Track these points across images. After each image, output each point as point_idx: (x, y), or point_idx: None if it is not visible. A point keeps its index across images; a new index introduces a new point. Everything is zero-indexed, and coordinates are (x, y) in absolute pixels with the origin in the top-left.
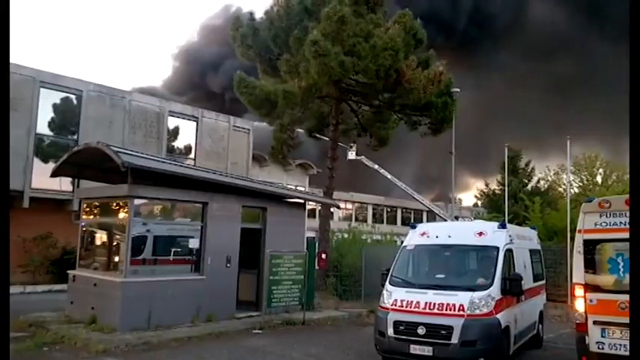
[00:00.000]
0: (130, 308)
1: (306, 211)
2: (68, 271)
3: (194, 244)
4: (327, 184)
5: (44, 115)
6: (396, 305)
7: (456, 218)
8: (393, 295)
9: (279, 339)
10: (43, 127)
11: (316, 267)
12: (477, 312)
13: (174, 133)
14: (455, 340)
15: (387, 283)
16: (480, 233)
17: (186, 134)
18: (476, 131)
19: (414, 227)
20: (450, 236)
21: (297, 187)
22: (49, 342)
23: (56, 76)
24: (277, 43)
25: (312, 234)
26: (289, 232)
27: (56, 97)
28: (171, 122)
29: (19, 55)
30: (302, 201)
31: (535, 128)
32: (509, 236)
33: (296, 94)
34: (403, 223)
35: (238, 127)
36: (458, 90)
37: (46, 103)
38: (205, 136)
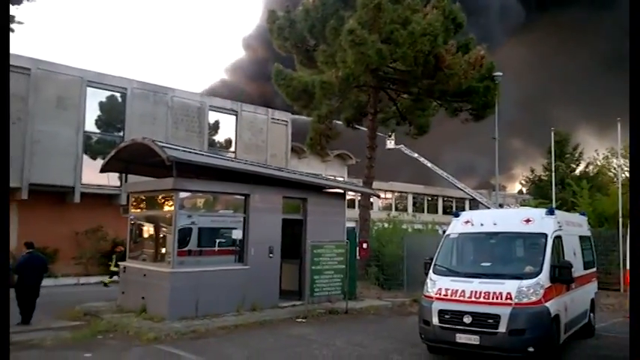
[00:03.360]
0: (178, 298)
1: (346, 202)
2: (119, 263)
3: (237, 235)
4: (366, 174)
5: (91, 114)
6: (440, 294)
7: (501, 206)
8: (437, 284)
9: (323, 328)
10: (90, 125)
11: (357, 257)
12: (525, 300)
13: (215, 127)
14: (502, 328)
15: (431, 272)
16: (527, 220)
17: (226, 128)
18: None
19: (457, 216)
20: (495, 224)
21: (336, 178)
22: (103, 330)
23: (101, 75)
24: (314, 34)
25: (351, 224)
26: (330, 223)
27: (102, 95)
28: (212, 117)
29: (66, 55)
30: (342, 191)
31: (585, 109)
32: (558, 223)
33: (333, 85)
34: (445, 212)
35: (277, 119)
36: (500, 74)
37: (93, 102)
38: (245, 129)
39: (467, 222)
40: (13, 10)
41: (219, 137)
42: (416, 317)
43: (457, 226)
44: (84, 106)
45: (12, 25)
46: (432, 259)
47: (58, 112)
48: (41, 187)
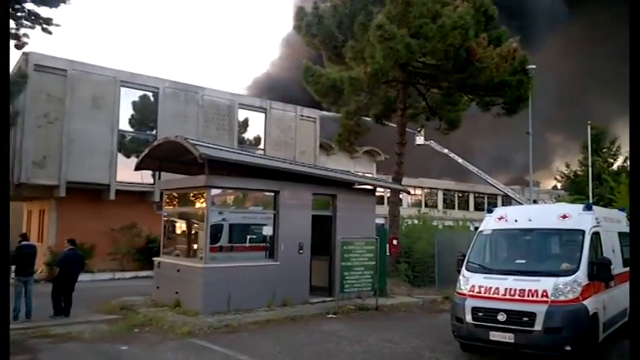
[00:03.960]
0: (211, 292)
1: (375, 198)
2: (154, 258)
3: (267, 231)
4: (396, 170)
5: (125, 113)
6: (473, 291)
7: (535, 202)
8: (470, 281)
9: (353, 324)
10: (124, 124)
11: (387, 253)
12: (562, 298)
13: (244, 125)
14: (538, 327)
15: (464, 268)
16: (564, 216)
17: (256, 125)
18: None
19: (490, 212)
20: (530, 220)
21: (365, 174)
22: (139, 324)
23: (134, 74)
24: (342, 30)
25: (381, 220)
26: (359, 219)
27: (135, 95)
28: (241, 114)
29: (100, 56)
30: (371, 187)
31: (624, 102)
32: (596, 219)
33: (362, 81)
34: (476, 209)
35: (305, 116)
36: (534, 67)
37: (126, 101)
38: (273, 126)
39: (500, 218)
40: (50, 12)
41: (249, 135)
42: (447, 314)
43: (490, 223)
44: (118, 106)
45: (49, 28)
46: (464, 256)
47: (94, 112)
48: (78, 184)
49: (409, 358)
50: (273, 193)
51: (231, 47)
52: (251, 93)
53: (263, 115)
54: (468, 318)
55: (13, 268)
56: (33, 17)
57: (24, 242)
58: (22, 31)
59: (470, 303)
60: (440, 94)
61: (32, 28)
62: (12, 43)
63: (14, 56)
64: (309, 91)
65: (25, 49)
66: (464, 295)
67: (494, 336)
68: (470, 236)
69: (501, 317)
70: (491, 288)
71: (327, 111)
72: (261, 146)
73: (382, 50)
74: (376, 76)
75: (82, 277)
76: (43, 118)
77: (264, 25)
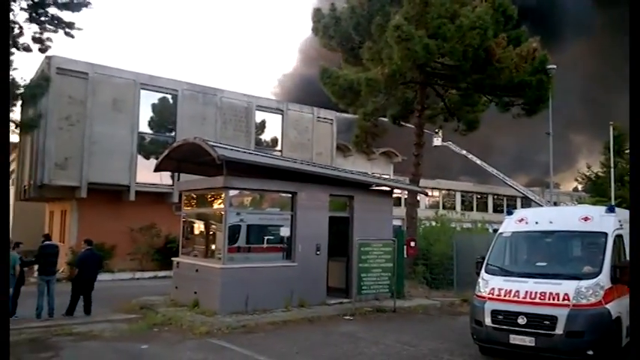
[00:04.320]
0: (229, 293)
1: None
2: (173, 258)
3: (285, 232)
4: (413, 172)
5: (144, 115)
6: (493, 294)
7: (555, 204)
8: (489, 284)
9: (371, 326)
10: (144, 126)
11: (405, 255)
12: (584, 302)
13: (262, 127)
14: (559, 330)
15: (483, 271)
16: (586, 218)
17: (273, 127)
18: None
19: (510, 214)
20: (551, 222)
21: (382, 176)
22: (158, 323)
23: (153, 77)
24: (359, 31)
25: (398, 222)
26: (376, 220)
27: (154, 97)
28: (259, 116)
29: (120, 59)
30: (388, 189)
31: None
32: (619, 221)
33: (379, 82)
34: (495, 211)
35: (322, 117)
36: (554, 67)
37: (146, 104)
38: (290, 127)
39: (521, 220)
40: (73, 16)
41: (266, 136)
42: (466, 317)
43: (510, 225)
44: (138, 108)
45: (71, 32)
46: (483, 258)
47: (114, 114)
48: (99, 185)
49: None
50: (290, 195)
51: (250, 49)
52: (279, 94)
53: (280, 116)
54: (488, 321)
55: (36, 267)
56: (56, 21)
57: (47, 242)
58: (46, 35)
59: (489, 306)
60: (458, 94)
61: (55, 32)
62: (36, 47)
63: (37, 60)
64: (325, 92)
65: (47, 52)
66: (483, 297)
67: (514, 339)
68: (489, 238)
69: (521, 320)
70: (511, 291)
71: (344, 112)
72: (278, 148)
73: (400, 51)
74: (394, 77)
75: (103, 276)
76: (64, 120)
77: (283, 28)
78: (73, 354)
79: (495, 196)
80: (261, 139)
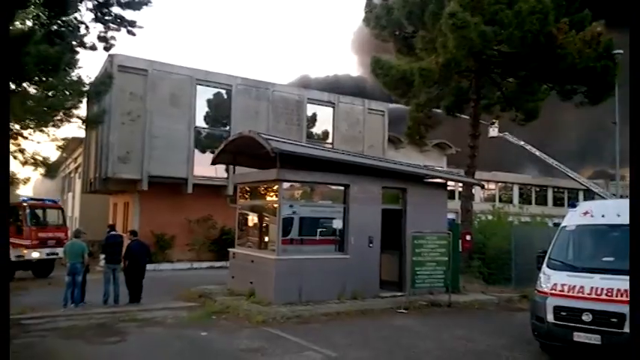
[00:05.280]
0: (283, 283)
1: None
2: (229, 249)
3: (337, 224)
4: (469, 163)
5: (200, 110)
6: (555, 289)
7: (621, 197)
8: (551, 279)
9: (425, 320)
10: (199, 121)
11: (460, 249)
12: None
13: (313, 120)
14: (628, 329)
15: (545, 266)
16: None
17: (324, 120)
18: None
19: (574, 206)
20: (619, 215)
21: (435, 168)
22: (216, 311)
23: (208, 73)
24: (412, 20)
25: (451, 216)
26: (430, 213)
27: (209, 92)
28: (310, 109)
29: (177, 56)
30: (442, 181)
31: None
32: None
33: (433, 71)
34: (555, 204)
35: (373, 109)
36: (621, 52)
37: (202, 99)
38: (341, 120)
39: (586, 213)
40: (134, 15)
41: (317, 129)
42: (525, 313)
43: (574, 218)
44: (194, 103)
45: (133, 30)
46: (545, 253)
47: (172, 110)
48: (159, 178)
49: (487, 356)
50: (343, 187)
51: (302, 42)
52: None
53: (331, 109)
54: (550, 317)
55: (101, 256)
56: (119, 20)
57: (112, 232)
58: (110, 33)
59: (551, 302)
60: (516, 83)
61: (118, 30)
62: (100, 45)
63: (99, 58)
64: (377, 83)
65: (111, 50)
66: (545, 293)
67: (579, 337)
68: (549, 233)
69: (586, 317)
70: (575, 286)
71: (396, 104)
72: (329, 141)
73: (455, 39)
74: (448, 67)
75: (163, 265)
76: (126, 115)
77: (336, 20)
78: (139, 339)
79: (555, 189)
80: (312, 132)
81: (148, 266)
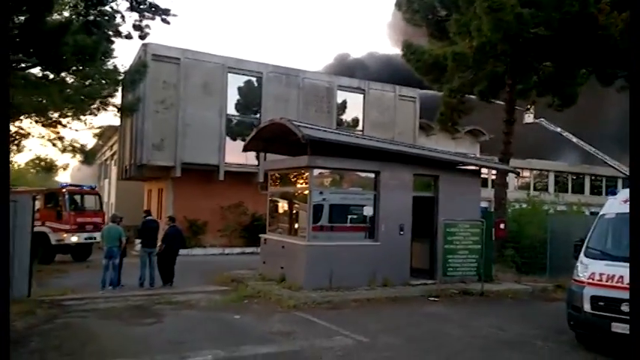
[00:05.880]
0: (314, 269)
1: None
2: (260, 235)
3: (367, 211)
4: (503, 150)
5: (231, 98)
6: (593, 279)
7: None
8: (589, 268)
9: (457, 308)
10: (231, 109)
11: (493, 237)
12: None
13: (343, 107)
14: None
15: (582, 254)
16: None
17: (354, 107)
18: None
19: (613, 194)
20: None
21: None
22: (248, 295)
23: (240, 60)
24: (445, 4)
25: (484, 204)
26: (463, 201)
27: (240, 80)
28: (340, 96)
29: (210, 44)
30: (476, 168)
31: None
32: None
33: (467, 56)
34: (592, 192)
35: (404, 95)
36: None
37: (233, 87)
38: (372, 107)
39: (626, 201)
40: (168, 3)
41: (347, 116)
42: (561, 303)
43: (614, 206)
44: (226, 91)
45: (167, 18)
46: (582, 241)
47: (204, 97)
48: (191, 165)
49: (520, 345)
50: (373, 174)
51: (335, 28)
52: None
53: (361, 96)
54: (587, 307)
55: (137, 240)
56: (153, 9)
57: (148, 217)
58: (145, 22)
59: (589, 291)
60: (554, 67)
61: (152, 19)
62: (136, 34)
63: (132, 47)
64: (409, 68)
65: (146, 39)
66: (582, 282)
67: (617, 327)
68: (586, 221)
69: (625, 308)
70: (614, 276)
71: (427, 89)
72: (359, 128)
73: (490, 22)
74: (483, 50)
75: (196, 250)
76: (160, 104)
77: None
78: (174, 321)
79: (593, 177)
80: (342, 120)
81: (182, 251)
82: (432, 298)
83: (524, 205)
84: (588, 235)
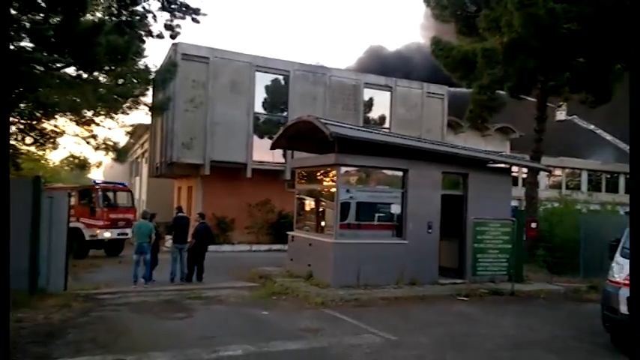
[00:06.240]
0: (341, 267)
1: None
2: (288, 232)
3: (395, 209)
4: (534, 148)
5: (259, 96)
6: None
7: None
8: (625, 269)
9: (487, 307)
10: (258, 107)
11: (524, 237)
12: None
13: (369, 104)
14: None
15: (618, 255)
16: None
17: (381, 104)
18: None
19: None
20: None
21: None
22: (276, 292)
23: (267, 59)
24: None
25: (514, 203)
26: (493, 200)
27: (267, 79)
28: (367, 94)
29: (238, 43)
30: (506, 167)
31: None
32: None
33: (497, 51)
34: (627, 191)
35: (432, 93)
36: None
37: (260, 85)
38: (399, 104)
39: None
40: (197, 2)
41: (374, 114)
42: (594, 305)
43: None
44: (253, 90)
45: (197, 17)
46: (618, 241)
47: (232, 96)
48: (220, 163)
49: (553, 346)
50: (401, 172)
51: (365, 25)
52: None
53: (388, 93)
54: (623, 309)
55: (168, 236)
56: (184, 8)
57: (180, 214)
58: (175, 22)
59: (625, 292)
60: (587, 63)
61: (183, 18)
62: (167, 34)
63: (165, 46)
64: (438, 65)
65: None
66: (618, 283)
67: None
68: (621, 221)
69: None
70: None
71: (455, 86)
72: (386, 125)
73: (521, 17)
74: (514, 46)
75: (224, 247)
76: (189, 102)
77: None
78: (205, 315)
79: (628, 176)
80: (369, 117)
81: (210, 247)
82: (462, 298)
83: (556, 205)
84: (624, 235)
